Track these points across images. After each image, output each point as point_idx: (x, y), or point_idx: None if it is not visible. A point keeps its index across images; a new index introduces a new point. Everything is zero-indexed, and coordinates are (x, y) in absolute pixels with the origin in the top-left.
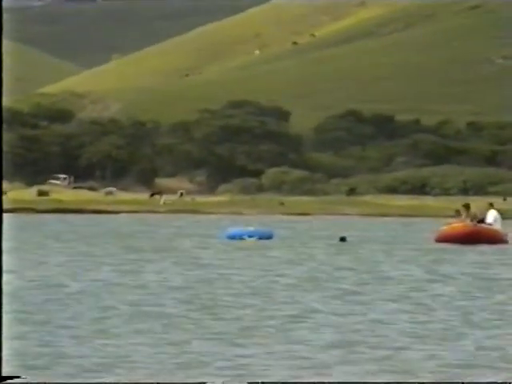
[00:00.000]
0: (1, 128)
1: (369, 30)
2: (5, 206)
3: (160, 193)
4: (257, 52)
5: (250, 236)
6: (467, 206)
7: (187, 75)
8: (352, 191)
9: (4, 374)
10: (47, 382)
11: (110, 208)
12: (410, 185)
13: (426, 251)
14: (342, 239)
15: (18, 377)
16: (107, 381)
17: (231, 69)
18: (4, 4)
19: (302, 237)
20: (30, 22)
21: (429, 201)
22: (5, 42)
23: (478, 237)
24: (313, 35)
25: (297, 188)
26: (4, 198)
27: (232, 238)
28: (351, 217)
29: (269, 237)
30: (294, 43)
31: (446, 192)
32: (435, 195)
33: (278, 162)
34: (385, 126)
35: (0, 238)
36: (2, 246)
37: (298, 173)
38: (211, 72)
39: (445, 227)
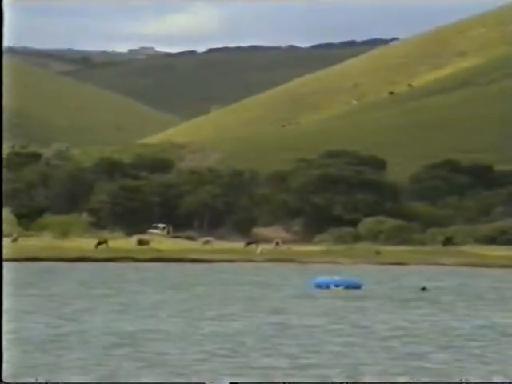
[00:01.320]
0: (1, 129)
1: (467, 80)
2: (106, 254)
3: (256, 242)
4: (354, 102)
5: (336, 285)
6: None
7: (284, 126)
8: (448, 241)
9: None
10: (48, 381)
11: (207, 257)
12: (509, 235)
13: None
14: (423, 289)
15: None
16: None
17: (328, 119)
18: (108, 57)
19: (388, 287)
20: (131, 74)
21: None
22: (108, 93)
23: None
24: (410, 85)
25: (393, 237)
26: (105, 246)
27: (319, 286)
28: (447, 267)
29: (357, 286)
30: (391, 93)
31: None
32: None
33: (375, 211)
34: (483, 176)
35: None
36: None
37: (394, 222)
38: (308, 122)
39: None
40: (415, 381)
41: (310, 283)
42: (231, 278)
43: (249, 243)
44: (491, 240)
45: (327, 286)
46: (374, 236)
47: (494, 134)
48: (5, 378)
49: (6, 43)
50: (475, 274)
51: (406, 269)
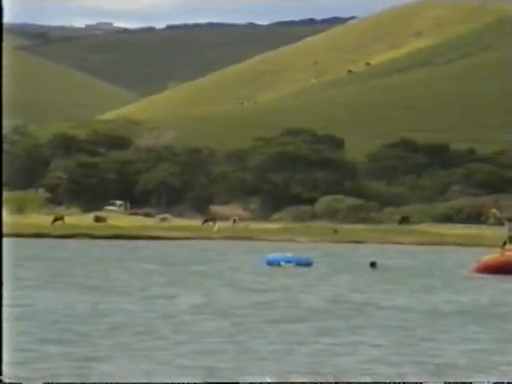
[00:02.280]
0: (1, 130)
1: (424, 60)
2: (62, 231)
3: (213, 219)
4: (313, 80)
5: (287, 262)
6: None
7: (242, 103)
8: (405, 220)
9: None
10: (48, 382)
11: (164, 234)
12: (466, 214)
13: (448, 282)
14: (372, 265)
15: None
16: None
17: (287, 97)
18: (65, 33)
19: (340, 264)
20: (90, 50)
21: (485, 230)
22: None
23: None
24: (368, 64)
25: (350, 216)
26: (61, 223)
27: (270, 263)
28: (404, 245)
29: (308, 264)
30: (350, 71)
31: (501, 221)
32: (491, 224)
33: (332, 189)
34: (439, 155)
35: (0, 255)
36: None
37: (351, 201)
38: (267, 100)
39: (485, 257)
40: (415, 381)
41: (260, 260)
42: (179, 255)
43: (206, 221)
44: (447, 219)
45: (278, 263)
46: (332, 214)
47: (450, 114)
48: (4, 377)
49: None
50: (431, 253)
51: (363, 247)
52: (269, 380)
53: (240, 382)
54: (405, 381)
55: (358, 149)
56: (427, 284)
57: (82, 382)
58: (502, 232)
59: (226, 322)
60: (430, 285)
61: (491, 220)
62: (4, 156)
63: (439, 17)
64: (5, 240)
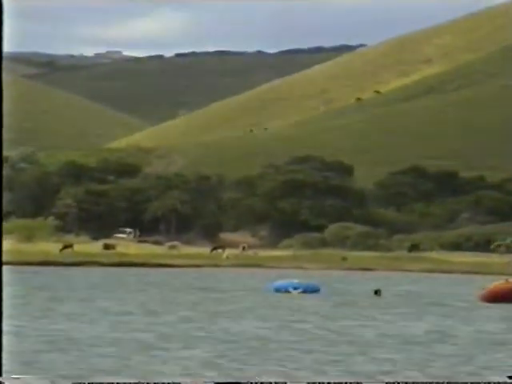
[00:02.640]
0: (1, 131)
1: (433, 87)
2: (71, 259)
3: (222, 247)
4: (322, 108)
5: (295, 288)
6: None
7: (251, 131)
8: (414, 247)
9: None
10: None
11: (173, 262)
12: (474, 242)
13: (453, 309)
14: (376, 292)
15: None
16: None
17: (295, 124)
18: (74, 61)
19: (348, 292)
20: (98, 78)
21: (494, 258)
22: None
23: None
24: (377, 91)
25: (359, 243)
26: (70, 251)
27: (278, 290)
28: (414, 273)
29: (315, 290)
30: (358, 99)
31: (510, 249)
32: (501, 252)
33: (341, 217)
34: (449, 183)
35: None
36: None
37: (360, 228)
38: (276, 127)
39: (491, 286)
40: (415, 381)
41: (268, 287)
42: (187, 283)
43: (215, 248)
44: (456, 246)
45: (286, 290)
46: (341, 242)
47: (459, 141)
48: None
49: None
50: (438, 281)
51: (372, 274)
52: None
53: (241, 382)
54: (406, 381)
55: (366, 176)
56: (431, 312)
57: (82, 382)
58: (510, 260)
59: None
60: (434, 313)
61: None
62: (13, 184)
63: (447, 44)
64: (11, 268)
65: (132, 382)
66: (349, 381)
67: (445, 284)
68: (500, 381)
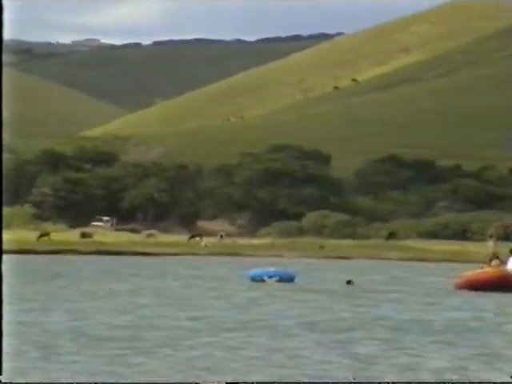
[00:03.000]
0: (1, 130)
1: (410, 75)
2: (48, 247)
3: (200, 235)
4: (299, 96)
5: (270, 277)
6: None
7: (229, 119)
8: (391, 235)
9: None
10: (48, 382)
11: (151, 250)
12: (452, 230)
13: (422, 296)
14: (349, 282)
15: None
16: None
17: (273, 112)
18: (51, 49)
19: (322, 280)
20: (76, 66)
21: (470, 246)
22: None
23: (502, 282)
24: (354, 80)
25: (337, 231)
26: (47, 239)
27: (253, 279)
28: (391, 261)
29: (290, 279)
30: (336, 87)
31: (486, 238)
32: (477, 240)
33: (319, 205)
34: (426, 171)
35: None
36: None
37: (338, 216)
38: (253, 116)
39: (466, 273)
40: (415, 381)
41: (244, 276)
42: (162, 270)
43: (192, 236)
44: (433, 234)
45: (261, 279)
46: (319, 230)
47: (436, 130)
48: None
49: None
50: (415, 269)
51: (350, 263)
52: None
53: (240, 381)
54: (406, 381)
55: (344, 164)
56: (395, 299)
57: (82, 382)
58: (487, 247)
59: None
60: (396, 300)
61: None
62: None
63: (425, 33)
64: None
65: (133, 382)
66: (347, 381)
67: (422, 272)
68: (503, 381)
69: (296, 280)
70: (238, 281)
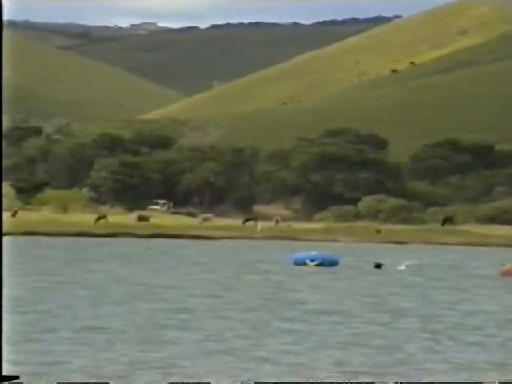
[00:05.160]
0: (1, 129)
1: (469, 59)
2: (106, 230)
3: (254, 219)
4: (356, 80)
5: (312, 260)
6: None
7: (285, 103)
8: (448, 220)
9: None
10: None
11: (206, 234)
12: (510, 215)
13: (456, 282)
14: (378, 266)
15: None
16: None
17: (330, 96)
18: (109, 33)
19: (364, 264)
20: (133, 49)
21: None
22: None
23: None
24: (412, 63)
25: (393, 216)
26: (104, 222)
27: (297, 262)
28: (447, 246)
29: (333, 263)
30: (393, 71)
31: None
32: None
33: (375, 189)
34: (484, 156)
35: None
36: (2, 254)
37: (394, 201)
38: (310, 100)
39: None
40: (415, 381)
41: (288, 259)
42: (209, 254)
43: (247, 220)
44: (491, 219)
45: (304, 262)
46: (375, 214)
47: (495, 114)
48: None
49: (7, 17)
50: (473, 253)
51: (405, 247)
52: None
53: (244, 380)
54: (406, 381)
55: (401, 149)
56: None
57: (82, 382)
58: None
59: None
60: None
61: None
62: (48, 155)
63: (484, 16)
64: (48, 239)
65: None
66: (348, 380)
67: (474, 258)
68: (503, 381)
69: (340, 264)
70: (282, 264)
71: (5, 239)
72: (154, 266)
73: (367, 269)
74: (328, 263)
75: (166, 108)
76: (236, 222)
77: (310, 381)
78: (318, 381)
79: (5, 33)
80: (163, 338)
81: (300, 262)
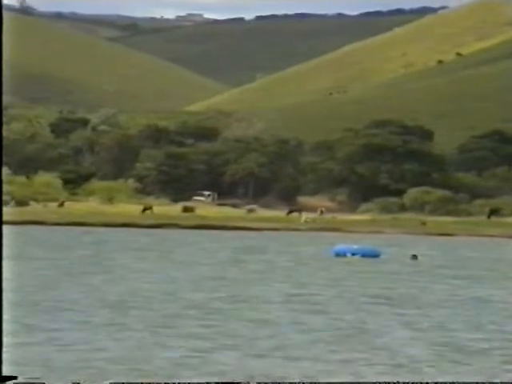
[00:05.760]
0: (1, 127)
1: None
2: (151, 221)
3: (299, 210)
4: (402, 71)
5: (353, 254)
6: None
7: (331, 94)
8: (494, 212)
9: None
10: (47, 382)
11: (251, 225)
12: None
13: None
14: (414, 257)
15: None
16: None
17: (375, 87)
18: (155, 24)
19: (404, 257)
20: (179, 41)
21: None
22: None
23: None
24: (458, 54)
25: (439, 208)
26: (150, 213)
27: (337, 254)
28: (494, 238)
29: (375, 255)
30: (439, 62)
31: None
32: None
33: (421, 181)
34: None
35: (0, 244)
36: (2, 253)
37: (440, 193)
38: (355, 91)
39: None
40: (415, 381)
41: (329, 251)
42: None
43: (291, 211)
44: None
45: (345, 254)
46: (420, 206)
47: None
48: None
49: (55, 9)
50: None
51: (452, 240)
52: None
53: (242, 382)
54: (405, 380)
55: (447, 140)
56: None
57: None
58: None
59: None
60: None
61: None
62: (94, 146)
63: None
64: (94, 229)
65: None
66: (351, 381)
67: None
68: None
69: (382, 257)
70: (323, 256)
71: (51, 228)
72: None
73: (406, 261)
74: (370, 255)
75: (211, 100)
76: (280, 213)
77: (310, 381)
78: (318, 381)
79: (53, 25)
80: None
81: (341, 254)
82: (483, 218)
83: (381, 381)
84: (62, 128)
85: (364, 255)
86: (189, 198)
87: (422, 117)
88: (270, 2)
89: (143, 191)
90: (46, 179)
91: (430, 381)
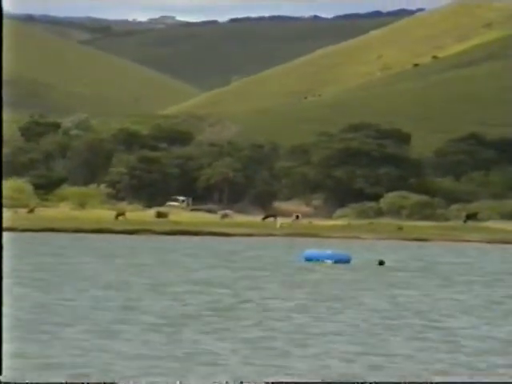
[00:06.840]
0: (1, 130)
1: (493, 52)
2: (124, 226)
3: (274, 215)
4: (378, 74)
5: (323, 259)
6: None
7: (306, 97)
8: (471, 216)
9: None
10: (47, 382)
11: (226, 230)
12: None
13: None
14: (381, 263)
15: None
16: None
17: (351, 90)
18: (128, 27)
19: (374, 262)
20: (152, 44)
21: None
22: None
23: None
24: (435, 57)
25: (416, 213)
26: (123, 218)
27: (308, 260)
28: (471, 243)
29: (346, 261)
30: (416, 65)
31: None
32: None
33: (397, 185)
34: (509, 151)
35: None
36: (2, 253)
37: (417, 197)
38: (331, 94)
39: None
40: (415, 380)
41: (299, 256)
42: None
43: (266, 217)
44: None
45: (316, 260)
46: (397, 211)
47: None
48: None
49: (26, 11)
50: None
51: (428, 245)
52: None
53: (242, 382)
54: (405, 381)
55: (424, 144)
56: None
57: (80, 382)
58: None
59: None
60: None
61: None
62: (66, 151)
63: (508, 8)
64: (66, 235)
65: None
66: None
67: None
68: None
69: (352, 262)
70: (292, 261)
71: (22, 235)
72: None
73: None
74: (341, 261)
75: (185, 103)
76: (256, 218)
77: (311, 381)
78: (319, 381)
79: (24, 28)
80: None
81: (312, 259)
82: (460, 222)
83: (380, 381)
84: (32, 132)
85: (335, 260)
86: (163, 204)
87: (398, 120)
88: (243, 5)
89: (116, 196)
90: (17, 184)
91: (429, 381)
